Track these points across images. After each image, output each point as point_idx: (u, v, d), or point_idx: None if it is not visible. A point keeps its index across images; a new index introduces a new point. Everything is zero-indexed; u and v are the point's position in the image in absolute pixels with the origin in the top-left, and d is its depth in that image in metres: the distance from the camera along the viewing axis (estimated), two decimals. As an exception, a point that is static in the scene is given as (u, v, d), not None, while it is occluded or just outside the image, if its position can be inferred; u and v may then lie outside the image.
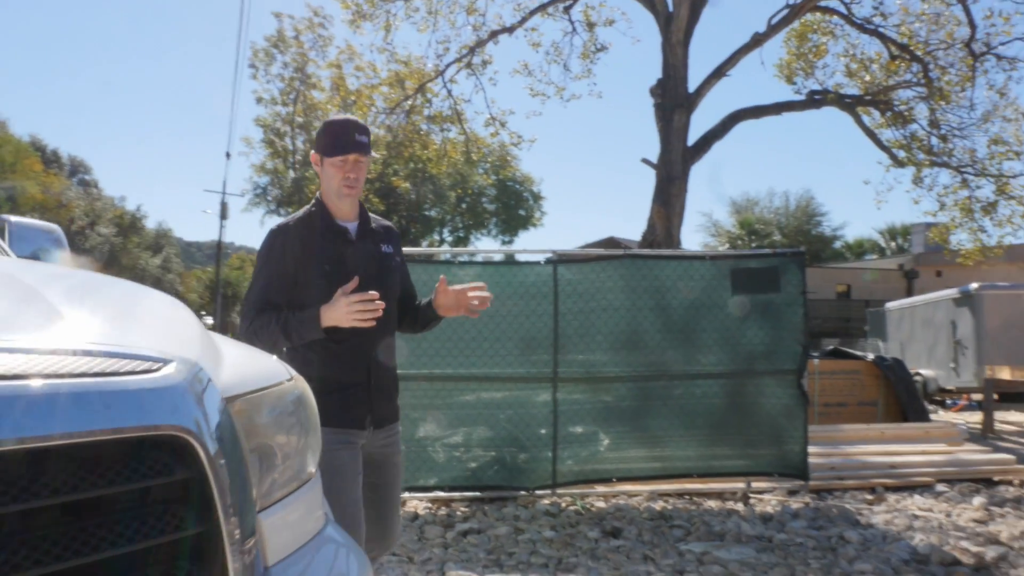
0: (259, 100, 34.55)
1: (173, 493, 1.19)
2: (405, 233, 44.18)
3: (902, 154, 17.12)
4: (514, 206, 44.69)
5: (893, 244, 50.89)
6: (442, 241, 46.42)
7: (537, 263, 6.20)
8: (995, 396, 11.46)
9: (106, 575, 1.09)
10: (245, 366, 1.49)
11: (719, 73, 14.52)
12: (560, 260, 6.22)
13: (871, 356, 11.70)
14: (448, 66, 16.74)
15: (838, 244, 53.98)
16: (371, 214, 2.97)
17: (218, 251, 44.79)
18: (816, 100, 16.61)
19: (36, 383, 1.02)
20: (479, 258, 8.13)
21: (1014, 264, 25.54)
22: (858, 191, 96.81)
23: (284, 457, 1.48)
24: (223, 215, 41.12)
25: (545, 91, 17.47)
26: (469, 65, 16.92)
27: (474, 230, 46.26)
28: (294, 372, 1.68)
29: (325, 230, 2.81)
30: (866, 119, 17.17)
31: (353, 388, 2.75)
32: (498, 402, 6.36)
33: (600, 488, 6.33)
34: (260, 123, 36.21)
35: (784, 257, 6.40)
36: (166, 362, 1.22)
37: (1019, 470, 7.35)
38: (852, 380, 10.83)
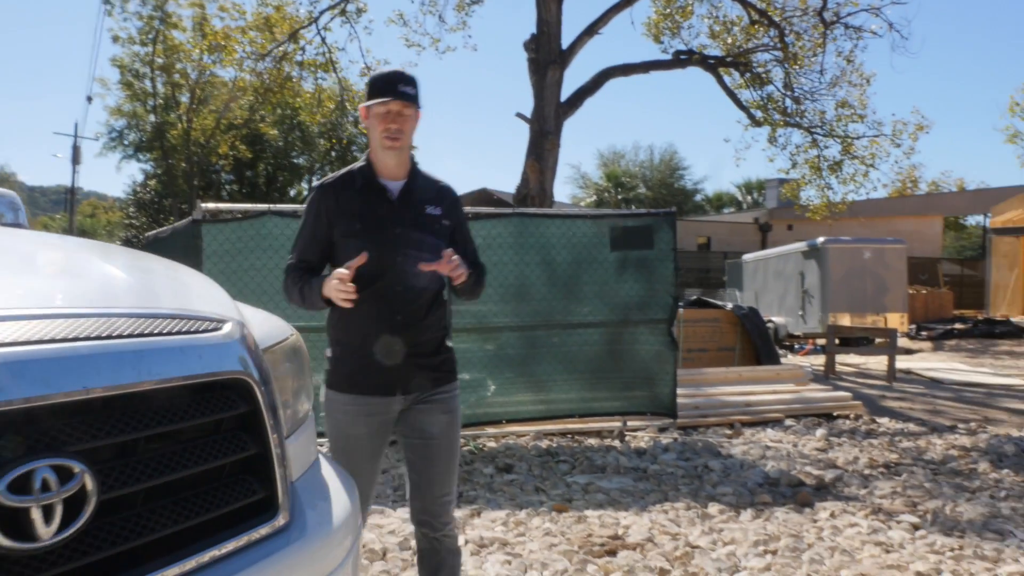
0: (116, 39, 32.74)
1: (237, 424, 1.53)
2: (272, 181, 43.20)
3: (759, 114, 18.11)
4: (384, 155, 44.33)
5: (749, 198, 53.67)
6: (311, 190, 45.60)
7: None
8: (836, 341, 12.64)
9: (196, 488, 1.42)
10: (263, 324, 1.82)
11: (591, 31, 14.96)
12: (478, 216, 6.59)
13: (730, 305, 12.65)
14: (322, 13, 16.55)
15: (699, 197, 56.40)
16: (427, 174, 2.79)
17: (71, 198, 42.54)
18: (682, 60, 17.28)
19: (157, 340, 1.34)
20: None
21: (856, 219, 27.64)
22: (718, 147, 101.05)
23: (294, 398, 1.83)
24: (75, 160, 39.03)
25: (420, 42, 17.55)
26: (343, 12, 16.76)
27: (345, 179, 45.65)
28: (293, 328, 2.01)
29: (363, 187, 2.67)
30: (727, 79, 18.00)
31: (380, 351, 2.60)
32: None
33: (491, 430, 6.81)
34: (117, 63, 34.37)
35: (658, 217, 6.99)
36: (224, 322, 1.54)
37: (855, 406, 8.32)
38: (712, 328, 11.72)
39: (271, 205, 6.27)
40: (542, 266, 6.76)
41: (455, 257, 2.51)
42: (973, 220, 41.42)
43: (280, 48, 17.25)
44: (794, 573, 3.77)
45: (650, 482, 5.51)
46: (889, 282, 18.01)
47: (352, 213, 2.64)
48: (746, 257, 21.96)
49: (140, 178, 40.60)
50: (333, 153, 42.85)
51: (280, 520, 1.58)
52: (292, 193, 44.49)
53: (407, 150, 2.71)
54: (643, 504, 4.96)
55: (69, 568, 1.18)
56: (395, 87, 2.59)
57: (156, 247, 7.21)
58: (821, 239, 18.30)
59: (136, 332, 1.33)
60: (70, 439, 1.19)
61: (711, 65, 17.42)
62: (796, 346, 17.17)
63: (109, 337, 1.29)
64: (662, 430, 7.16)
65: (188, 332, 1.42)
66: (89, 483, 1.19)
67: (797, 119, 18.09)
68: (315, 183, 2.74)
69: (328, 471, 1.97)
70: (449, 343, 2.80)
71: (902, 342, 16.84)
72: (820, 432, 7.17)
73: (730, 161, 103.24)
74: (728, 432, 7.20)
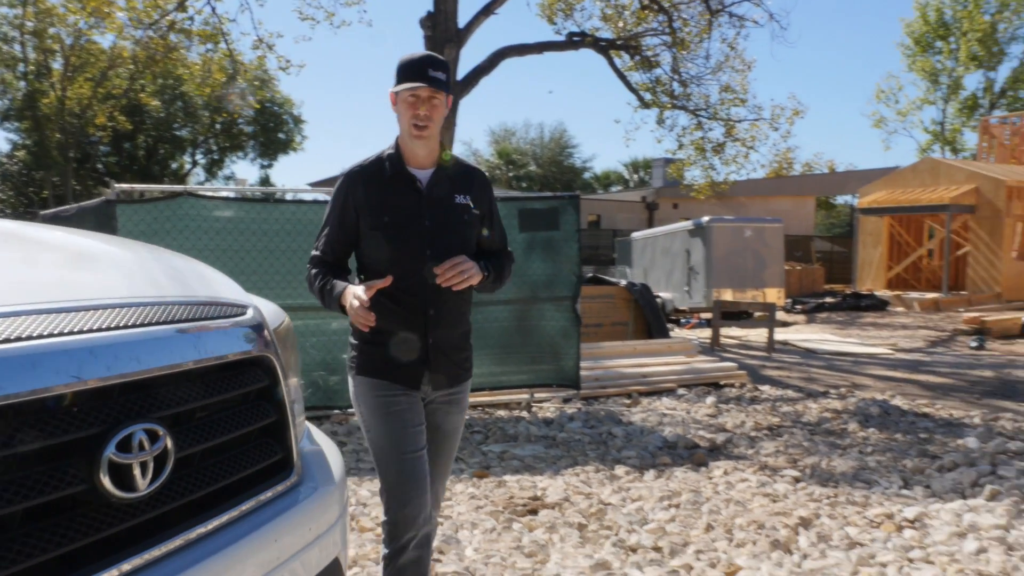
0: (-20, 0, 30.82)
1: (259, 395, 1.80)
2: (152, 153, 41.66)
3: (649, 96, 18.79)
4: (273, 129, 43.45)
5: (636, 177, 55.13)
6: (194, 163, 44.27)
7: (327, 201, 6.73)
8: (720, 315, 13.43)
9: (233, 450, 1.69)
10: (264, 308, 2.07)
11: (488, 11, 15.17)
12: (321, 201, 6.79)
13: (623, 282, 13.25)
14: (212, -19, 16.19)
15: (588, 175, 57.54)
16: (456, 158, 2.72)
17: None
18: (575, 42, 17.70)
19: (208, 324, 1.60)
20: (289, 196, 8.41)
21: (736, 199, 28.98)
22: (608, 127, 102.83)
23: (291, 372, 2.10)
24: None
25: (315, 15, 17.40)
26: (235, -19, 16.46)
27: (230, 152, 44.55)
28: (285, 312, 2.26)
29: (392, 177, 2.60)
30: (618, 62, 18.55)
31: (409, 347, 2.59)
32: (301, 330, 6.87)
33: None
34: (-19, 26, 32.38)
35: (563, 200, 7.39)
36: (246, 307, 1.81)
37: (740, 375, 9.00)
38: (608, 304, 12.28)
39: (188, 187, 6.34)
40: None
41: (466, 264, 2.48)
42: (842, 199, 43.92)
43: (167, 17, 16.77)
44: (696, 523, 4.25)
45: (560, 448, 5.93)
46: (768, 259, 19.10)
47: (380, 205, 2.57)
48: (635, 235, 22.79)
49: (6, 148, 38.52)
50: (218, 126, 41.66)
51: (294, 477, 1.86)
52: (174, 167, 43.06)
53: (436, 138, 2.63)
54: (556, 468, 5.38)
55: (156, 514, 1.44)
56: (425, 72, 2.50)
57: (57, 225, 7.13)
58: (706, 218, 19.21)
59: (190, 317, 1.59)
60: (154, 407, 1.45)
61: (603, 47, 17.87)
62: (682, 320, 18.02)
63: (176, 321, 1.54)
64: (566, 400, 7.62)
65: (226, 316, 1.69)
66: (169, 443, 1.45)
67: (684, 102, 18.77)
68: (344, 169, 2.69)
69: (319, 436, 2.25)
70: (470, 338, 2.78)
71: (779, 315, 17.93)
72: (710, 400, 7.77)
73: (618, 140, 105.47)
74: (627, 401, 7.72)
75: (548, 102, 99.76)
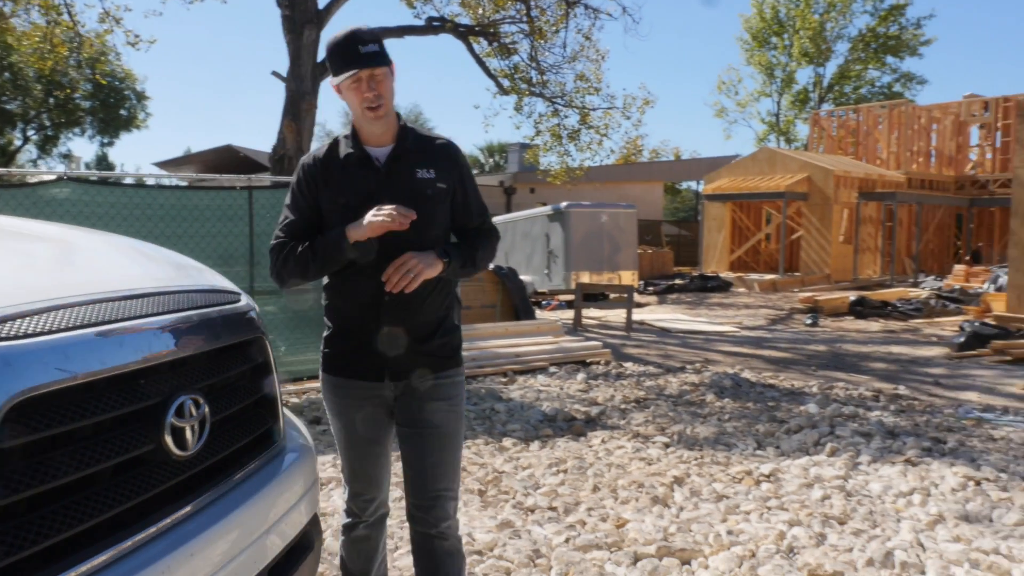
0: None
1: (255, 372, 2.03)
2: (-26, 128, 38.70)
3: (507, 83, 19.25)
4: (114, 105, 41.26)
5: (491, 161, 55.81)
6: (26, 139, 41.49)
7: (234, 188, 6.80)
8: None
9: (240, 419, 1.92)
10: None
11: (348, -9, 15.11)
12: (254, 187, 6.87)
13: (491, 266, 13.67)
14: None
15: (444, 159, 57.69)
16: (421, 132, 2.59)
17: None
18: (434, 27, 17.88)
19: (224, 309, 1.83)
20: (171, 182, 8.29)
21: (591, 184, 30.04)
22: (464, 111, 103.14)
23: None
24: None
25: (165, -12, 16.78)
26: (77, -49, 15.69)
27: (65, 128, 42.01)
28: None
29: (347, 157, 2.48)
30: (477, 48, 18.87)
31: (365, 333, 2.45)
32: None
33: (291, 387, 7.23)
34: None
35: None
36: (239, 293, 2.04)
37: (604, 353, 9.60)
38: (477, 287, 12.67)
39: (67, 171, 6.22)
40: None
41: (411, 261, 2.35)
42: (686, 185, 46.15)
43: (4, -12, 15.79)
44: (583, 485, 4.68)
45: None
46: (622, 243, 20.02)
47: (337, 186, 2.47)
48: (496, 219, 23.25)
49: None
50: (52, 100, 39.16)
51: (281, 443, 2.12)
52: (1, 142, 40.18)
53: (392, 112, 2.49)
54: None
55: (198, 470, 1.68)
56: (356, 53, 2.36)
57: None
58: (564, 204, 19.92)
59: (208, 304, 1.82)
60: (193, 381, 1.68)
61: (462, 33, 18.09)
62: (543, 302, 18.66)
63: (199, 307, 1.77)
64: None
65: (230, 303, 1.92)
66: (207, 410, 1.68)
67: (541, 89, 19.29)
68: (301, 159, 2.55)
69: (287, 410, 2.49)
70: (454, 324, 2.60)
71: (634, 296, 18.88)
72: (580, 376, 8.29)
73: (474, 124, 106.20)
74: (503, 380, 8.13)
75: (406, 85, 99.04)
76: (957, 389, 8.16)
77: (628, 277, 19.62)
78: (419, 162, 2.50)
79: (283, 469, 2.01)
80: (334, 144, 2.54)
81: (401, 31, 17.08)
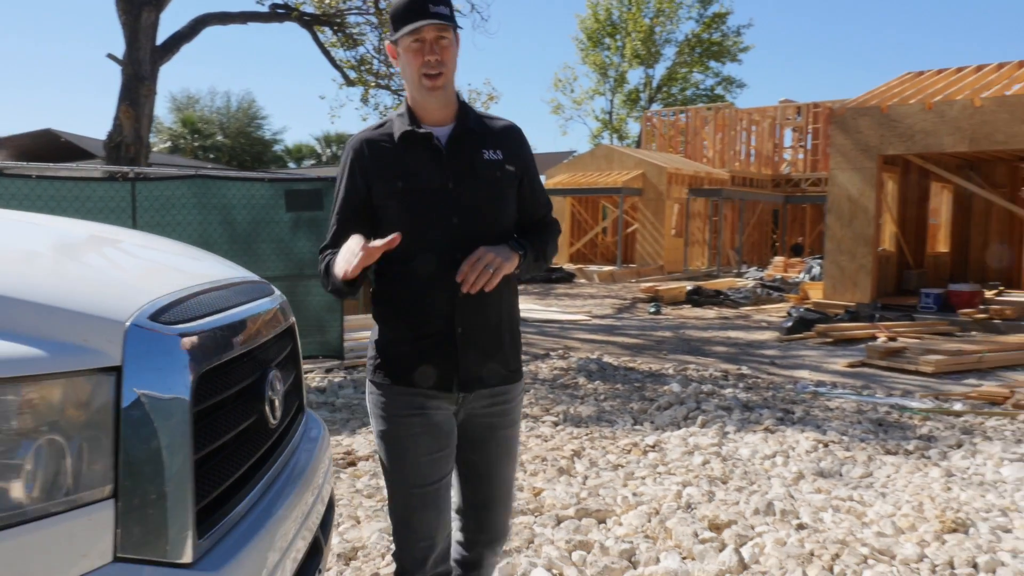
0: None
1: (291, 355, 2.29)
2: None
3: (353, 74, 19.25)
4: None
5: (329, 151, 54.97)
6: None
7: (116, 179, 6.68)
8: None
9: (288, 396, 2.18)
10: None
11: (188, -27, 14.73)
12: (137, 179, 6.79)
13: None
14: None
15: (279, 148, 56.36)
16: (483, 113, 2.37)
17: None
18: (279, 14, 17.67)
19: (274, 298, 2.09)
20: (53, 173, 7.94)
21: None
22: (302, 100, 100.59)
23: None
24: None
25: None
26: None
27: None
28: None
29: (404, 137, 2.23)
30: (323, 38, 18.73)
31: (432, 340, 2.21)
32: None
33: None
34: None
35: (326, 181, 7.83)
36: (270, 283, 2.29)
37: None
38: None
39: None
40: (224, 225, 7.27)
41: (488, 256, 2.09)
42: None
43: None
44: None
45: (343, 412, 6.48)
46: (472, 235, 20.51)
47: (391, 169, 2.21)
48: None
49: None
50: None
51: (306, 417, 2.39)
52: None
53: (452, 86, 2.25)
54: (349, 428, 5.95)
55: (277, 436, 1.94)
56: (426, 8, 2.11)
57: None
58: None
59: (267, 293, 2.08)
60: (271, 360, 1.94)
61: (307, 22, 17.94)
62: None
63: (266, 296, 2.03)
64: (329, 371, 8.12)
65: (272, 293, 2.18)
66: (280, 385, 1.95)
67: (387, 81, 19.42)
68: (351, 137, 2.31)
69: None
70: (519, 334, 2.38)
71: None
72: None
73: (311, 113, 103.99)
74: (384, 369, 8.38)
75: (243, 72, 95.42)
76: (791, 368, 9.15)
77: (479, 269, 20.13)
78: (484, 142, 2.27)
79: (321, 434, 2.30)
80: (387, 123, 2.28)
81: (245, 17, 16.78)
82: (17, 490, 1.16)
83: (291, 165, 53.14)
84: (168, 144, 48.30)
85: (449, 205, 2.20)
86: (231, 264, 2.34)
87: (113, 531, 1.26)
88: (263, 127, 55.67)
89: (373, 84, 19.17)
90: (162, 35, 14.29)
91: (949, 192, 17.70)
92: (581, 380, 7.93)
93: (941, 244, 18.00)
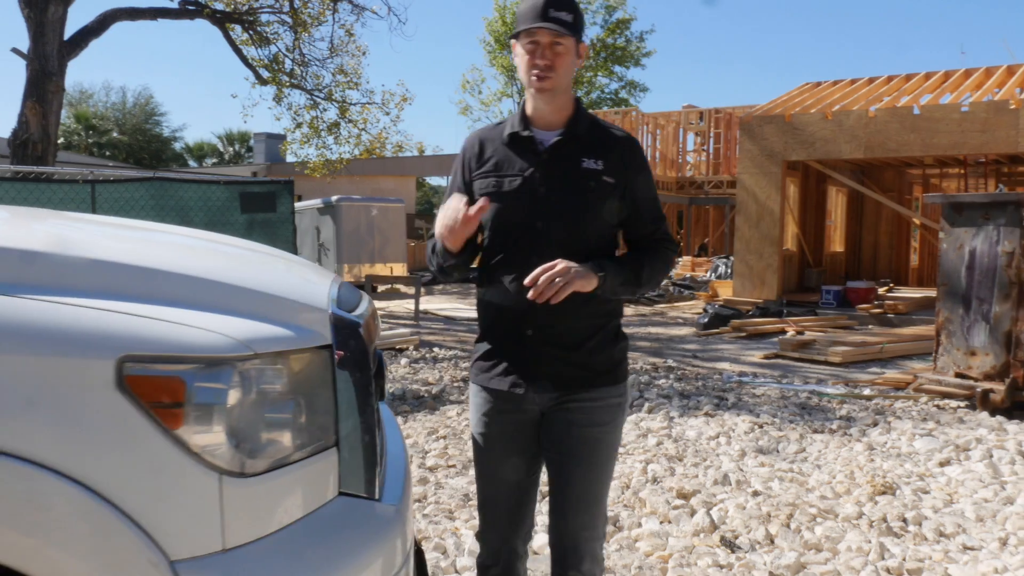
0: None
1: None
2: None
3: (267, 73, 19.18)
4: None
5: (231, 150, 53.86)
6: None
7: (76, 181, 6.76)
8: (374, 288, 14.66)
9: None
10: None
11: (95, -33, 14.53)
12: (97, 180, 6.87)
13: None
14: None
15: (179, 146, 54.93)
16: (600, 121, 2.35)
17: None
18: (190, 11, 17.50)
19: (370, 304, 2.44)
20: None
21: (348, 177, 30.33)
22: (203, 97, 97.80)
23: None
24: None
25: None
26: None
27: None
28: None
29: (509, 139, 2.29)
30: (234, 35, 18.58)
31: (510, 341, 2.27)
32: None
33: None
34: None
35: (279, 184, 8.05)
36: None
37: (413, 340, 10.34)
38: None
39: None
40: (181, 225, 7.40)
41: (559, 268, 2.08)
42: (435, 180, 47.60)
43: None
44: (466, 446, 5.47)
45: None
46: (392, 236, 20.74)
47: (491, 166, 2.29)
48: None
49: None
50: None
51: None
52: None
53: (565, 91, 2.28)
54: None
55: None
56: (545, 13, 2.15)
57: None
58: (335, 197, 20.26)
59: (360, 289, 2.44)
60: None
61: (218, 19, 17.80)
62: (318, 294, 18.87)
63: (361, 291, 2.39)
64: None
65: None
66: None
67: (300, 81, 19.41)
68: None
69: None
70: (614, 334, 2.33)
71: (399, 287, 19.67)
72: (403, 361, 8.99)
73: (213, 110, 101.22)
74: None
75: (142, 69, 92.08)
76: (712, 360, 9.83)
77: (399, 269, 20.38)
78: (588, 151, 2.27)
79: (390, 415, 2.67)
80: (501, 123, 2.37)
81: (154, 13, 16.58)
82: (287, 438, 1.51)
83: (192, 163, 51.91)
84: (61, 140, 46.50)
85: (536, 209, 2.23)
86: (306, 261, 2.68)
87: (337, 472, 1.62)
88: (161, 124, 54.23)
89: (287, 83, 19.15)
90: (71, 29, 14.06)
91: (843, 195, 18.93)
92: (525, 374, 8.37)
93: (837, 244, 19.23)
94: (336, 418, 1.63)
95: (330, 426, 1.61)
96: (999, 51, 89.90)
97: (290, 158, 25.53)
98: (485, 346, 2.34)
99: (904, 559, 3.62)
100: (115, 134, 50.24)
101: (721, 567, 3.51)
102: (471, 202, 2.21)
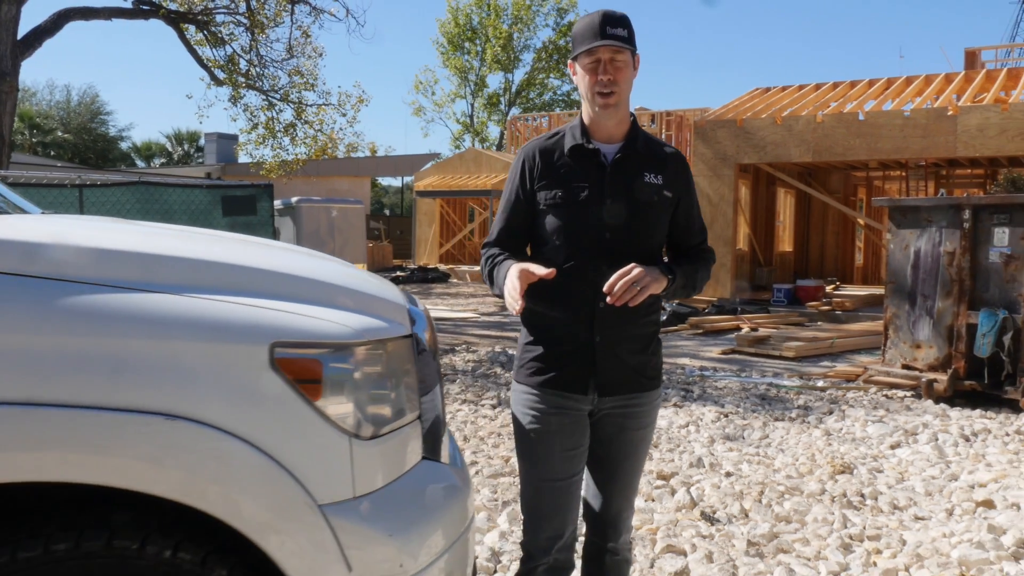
0: None
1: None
2: None
3: (222, 74, 19.17)
4: None
5: (180, 149, 53.22)
6: None
7: (64, 186, 6.92)
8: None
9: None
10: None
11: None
12: (84, 184, 7.04)
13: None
14: None
15: (126, 145, 54.10)
16: (651, 136, 2.48)
17: None
18: (144, 11, 17.47)
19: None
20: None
21: (304, 178, 30.36)
22: (151, 97, 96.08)
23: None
24: None
25: None
26: None
27: None
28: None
29: (572, 150, 2.38)
30: (189, 35, 18.52)
31: (574, 346, 2.35)
32: None
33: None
34: None
35: (259, 188, 8.28)
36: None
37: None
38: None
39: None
40: (165, 230, 7.59)
41: (637, 272, 2.19)
42: (389, 181, 47.68)
43: None
44: (457, 437, 5.79)
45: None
46: (351, 237, 20.93)
47: (556, 180, 2.37)
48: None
49: None
50: None
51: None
52: None
53: (625, 106, 2.38)
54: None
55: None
56: (603, 31, 2.26)
57: None
58: (295, 198, 20.39)
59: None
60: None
61: (173, 20, 17.75)
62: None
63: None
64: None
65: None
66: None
67: (257, 82, 19.42)
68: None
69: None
70: (659, 342, 2.49)
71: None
72: (378, 358, 9.26)
73: (162, 110, 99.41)
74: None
75: (88, 69, 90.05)
76: (673, 356, 10.27)
77: (359, 269, 20.53)
78: (648, 165, 2.39)
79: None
80: (559, 135, 2.44)
81: (109, 13, 16.56)
82: (388, 410, 1.83)
83: (140, 164, 51.16)
84: (3, 140, 45.49)
85: (603, 220, 2.32)
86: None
87: (420, 439, 1.95)
88: (107, 123, 53.36)
89: (243, 84, 19.15)
90: (24, 28, 14.01)
91: (792, 197, 19.64)
92: (497, 369, 8.72)
93: (786, 244, 19.94)
94: (418, 394, 1.96)
95: (415, 401, 1.94)
96: (936, 54, 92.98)
97: (245, 159, 25.55)
98: (539, 350, 2.40)
99: (864, 528, 4.05)
100: (60, 133, 49.31)
101: (704, 537, 3.90)
102: (534, 207, 2.39)
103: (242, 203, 8.09)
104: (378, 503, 1.71)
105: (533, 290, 2.28)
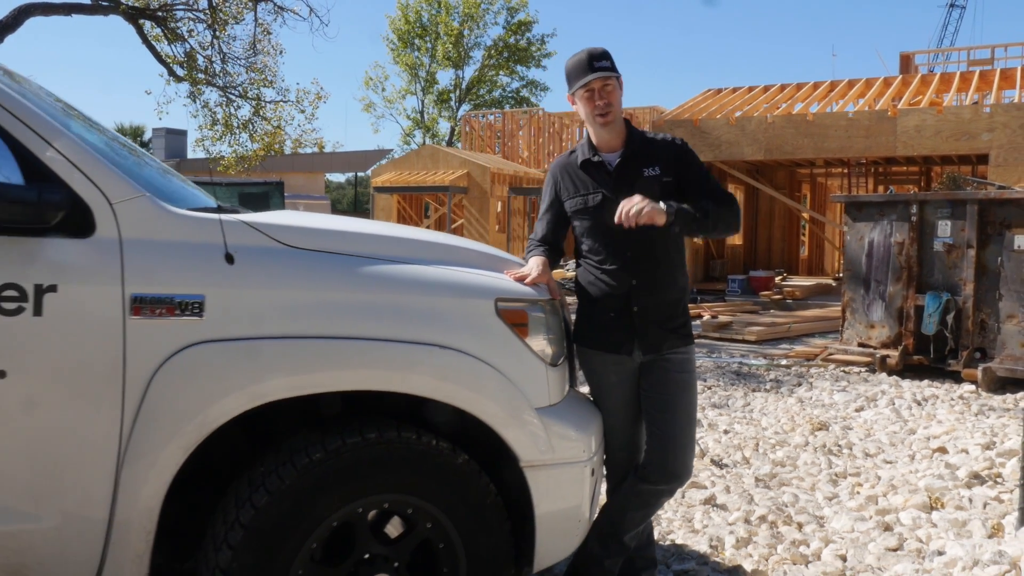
0: None
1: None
2: None
3: (181, 70, 19.36)
4: None
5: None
6: None
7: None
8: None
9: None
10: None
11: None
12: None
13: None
14: None
15: (69, 140, 53.06)
16: (647, 134, 2.97)
17: None
18: (103, 6, 17.64)
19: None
20: None
21: (259, 174, 30.54)
22: (99, 91, 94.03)
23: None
24: None
25: None
26: None
27: None
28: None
29: (584, 164, 2.91)
30: (147, 30, 18.68)
31: (616, 316, 2.85)
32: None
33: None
34: None
35: (270, 185, 8.84)
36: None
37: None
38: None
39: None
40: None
41: (632, 199, 2.63)
42: (344, 177, 47.82)
43: None
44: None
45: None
46: (317, 232, 21.30)
47: (573, 188, 2.92)
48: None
49: None
50: None
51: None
52: None
53: (620, 118, 2.89)
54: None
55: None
56: (591, 66, 2.77)
57: None
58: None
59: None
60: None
61: (132, 16, 17.91)
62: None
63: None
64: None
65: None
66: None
67: (216, 79, 19.62)
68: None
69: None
70: (688, 307, 2.97)
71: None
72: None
73: (113, 103, 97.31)
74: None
75: (29, 61, 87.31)
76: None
77: (326, 264, 20.97)
78: (645, 162, 2.87)
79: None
80: (574, 151, 3.01)
81: (69, 9, 16.74)
82: (556, 349, 2.56)
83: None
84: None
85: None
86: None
87: (568, 373, 2.69)
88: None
89: (203, 81, 19.36)
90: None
91: (740, 192, 20.71)
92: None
93: (736, 237, 21.00)
94: (566, 339, 2.70)
95: (565, 344, 2.68)
96: (868, 53, 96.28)
97: (201, 154, 25.65)
98: (594, 317, 2.92)
99: (846, 468, 4.90)
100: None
101: (719, 477, 4.71)
102: (564, 212, 2.98)
103: (256, 199, 8.65)
104: (562, 411, 2.47)
105: (582, 271, 2.97)
